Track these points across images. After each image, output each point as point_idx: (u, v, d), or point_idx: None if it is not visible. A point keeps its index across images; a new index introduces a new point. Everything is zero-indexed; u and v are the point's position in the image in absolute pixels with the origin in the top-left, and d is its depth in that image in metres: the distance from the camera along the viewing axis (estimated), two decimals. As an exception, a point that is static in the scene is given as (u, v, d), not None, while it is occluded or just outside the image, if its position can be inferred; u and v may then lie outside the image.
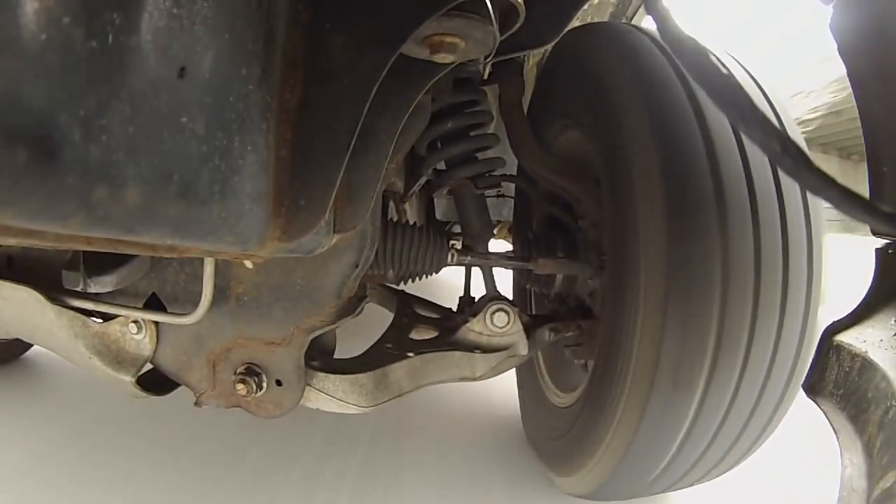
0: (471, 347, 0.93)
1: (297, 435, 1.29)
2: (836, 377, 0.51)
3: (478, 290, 1.07)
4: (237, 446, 1.22)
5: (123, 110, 0.28)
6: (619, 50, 0.86)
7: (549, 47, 1.08)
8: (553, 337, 1.03)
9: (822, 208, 0.78)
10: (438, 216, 1.88)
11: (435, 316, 1.12)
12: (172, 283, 0.79)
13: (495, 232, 2.06)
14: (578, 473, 0.95)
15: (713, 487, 1.10)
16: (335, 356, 0.91)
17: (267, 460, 1.17)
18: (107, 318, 0.82)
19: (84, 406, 1.40)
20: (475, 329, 0.94)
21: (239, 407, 0.81)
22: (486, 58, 0.60)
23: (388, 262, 0.97)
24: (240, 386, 0.77)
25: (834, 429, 0.49)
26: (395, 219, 0.99)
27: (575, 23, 0.82)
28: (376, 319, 1.23)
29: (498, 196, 1.70)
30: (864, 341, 0.49)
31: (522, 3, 0.52)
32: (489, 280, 1.06)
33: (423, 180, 1.12)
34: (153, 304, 0.80)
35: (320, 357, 0.87)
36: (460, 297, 1.14)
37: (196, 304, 0.73)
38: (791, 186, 0.76)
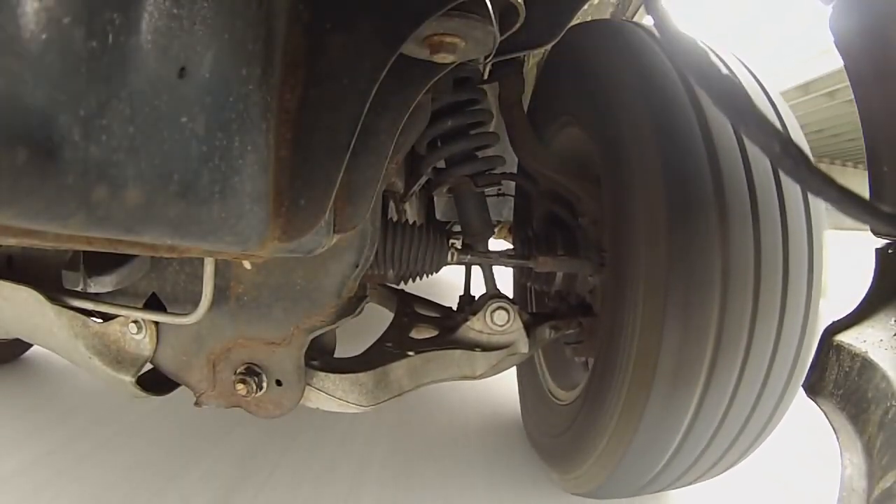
0: (471, 346, 0.93)
1: (298, 435, 1.29)
2: (836, 377, 0.51)
3: (478, 289, 1.07)
4: (237, 446, 1.22)
5: (123, 110, 0.28)
6: (620, 47, 0.86)
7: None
8: (553, 335, 1.03)
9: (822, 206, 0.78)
10: (438, 215, 1.88)
11: (435, 315, 1.12)
12: (172, 283, 0.79)
13: (495, 232, 2.06)
14: (578, 471, 0.95)
15: (713, 486, 1.10)
16: (335, 355, 0.91)
17: (267, 460, 1.17)
18: (107, 318, 0.82)
19: (84, 406, 1.40)
20: (475, 327, 0.94)
21: (239, 407, 0.82)
22: (486, 58, 0.60)
23: (388, 262, 0.97)
24: (240, 386, 0.77)
25: (834, 429, 0.49)
26: (395, 218, 0.99)
27: (575, 22, 0.82)
28: (376, 319, 1.23)
29: (498, 195, 1.70)
30: (864, 341, 0.49)
31: (522, 3, 0.52)
32: (489, 278, 1.06)
33: (423, 180, 1.12)
34: (153, 304, 0.80)
35: (320, 356, 0.87)
36: (460, 296, 1.14)
37: (196, 304, 0.73)
38: (791, 183, 0.76)
